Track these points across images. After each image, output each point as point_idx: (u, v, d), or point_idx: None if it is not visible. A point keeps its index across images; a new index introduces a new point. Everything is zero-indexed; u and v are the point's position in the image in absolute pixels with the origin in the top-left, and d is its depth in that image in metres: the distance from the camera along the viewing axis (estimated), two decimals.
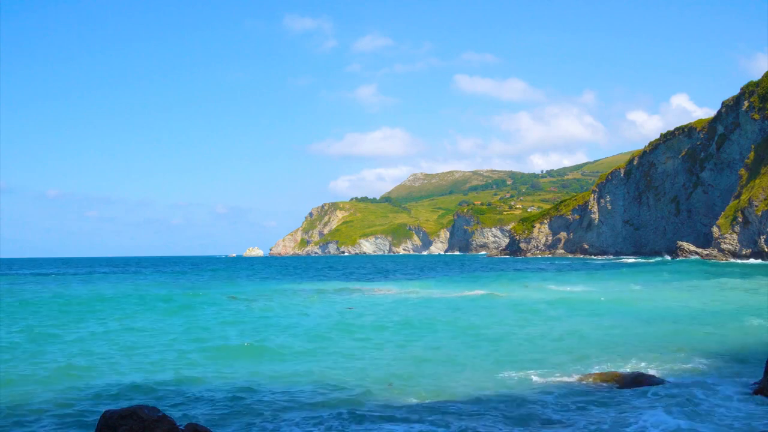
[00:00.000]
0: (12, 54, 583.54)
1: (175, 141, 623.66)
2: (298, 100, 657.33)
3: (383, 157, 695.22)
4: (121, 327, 26.56)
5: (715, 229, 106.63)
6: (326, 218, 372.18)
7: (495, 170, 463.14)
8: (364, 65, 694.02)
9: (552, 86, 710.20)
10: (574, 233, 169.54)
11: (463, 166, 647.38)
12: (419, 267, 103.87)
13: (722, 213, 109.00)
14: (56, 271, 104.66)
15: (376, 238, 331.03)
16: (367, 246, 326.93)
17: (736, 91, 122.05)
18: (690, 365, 16.97)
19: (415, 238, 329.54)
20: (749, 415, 12.09)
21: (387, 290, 47.20)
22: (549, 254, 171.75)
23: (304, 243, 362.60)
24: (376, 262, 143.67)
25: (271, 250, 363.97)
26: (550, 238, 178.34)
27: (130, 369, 17.77)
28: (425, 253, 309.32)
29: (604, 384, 14.97)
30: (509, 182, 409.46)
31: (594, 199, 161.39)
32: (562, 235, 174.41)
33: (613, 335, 22.58)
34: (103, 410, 10.22)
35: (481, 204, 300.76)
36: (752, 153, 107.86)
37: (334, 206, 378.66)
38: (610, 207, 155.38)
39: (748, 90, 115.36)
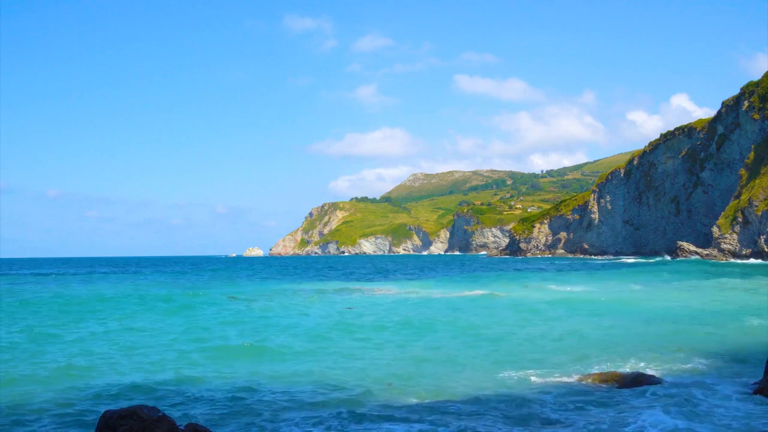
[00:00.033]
0: (12, 54, 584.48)
1: (175, 141, 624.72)
2: (298, 100, 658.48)
3: (383, 157, 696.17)
4: (121, 327, 26.58)
5: (715, 229, 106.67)
6: (326, 218, 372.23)
7: (495, 170, 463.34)
8: (364, 65, 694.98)
9: (552, 86, 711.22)
10: (574, 233, 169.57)
11: (463, 166, 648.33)
12: (419, 267, 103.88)
13: (722, 213, 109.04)
14: (56, 271, 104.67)
15: (376, 238, 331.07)
16: (367, 246, 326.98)
17: (736, 91, 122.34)
18: (690, 365, 16.99)
19: (415, 238, 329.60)
20: (748, 415, 12.09)
21: (387, 290, 47.21)
22: (549, 254, 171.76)
23: (304, 243, 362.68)
24: (376, 262, 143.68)
25: (271, 250, 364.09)
26: (550, 238, 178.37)
27: (130, 369, 17.79)
28: (425, 253, 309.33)
29: (604, 384, 14.99)
30: (509, 182, 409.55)
31: (594, 199, 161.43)
32: (562, 235, 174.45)
33: (612, 335, 22.59)
34: (103, 410, 10.24)
35: (481, 204, 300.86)
36: (752, 153, 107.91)
37: (334, 206, 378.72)
38: (610, 207, 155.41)
39: (748, 90, 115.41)
